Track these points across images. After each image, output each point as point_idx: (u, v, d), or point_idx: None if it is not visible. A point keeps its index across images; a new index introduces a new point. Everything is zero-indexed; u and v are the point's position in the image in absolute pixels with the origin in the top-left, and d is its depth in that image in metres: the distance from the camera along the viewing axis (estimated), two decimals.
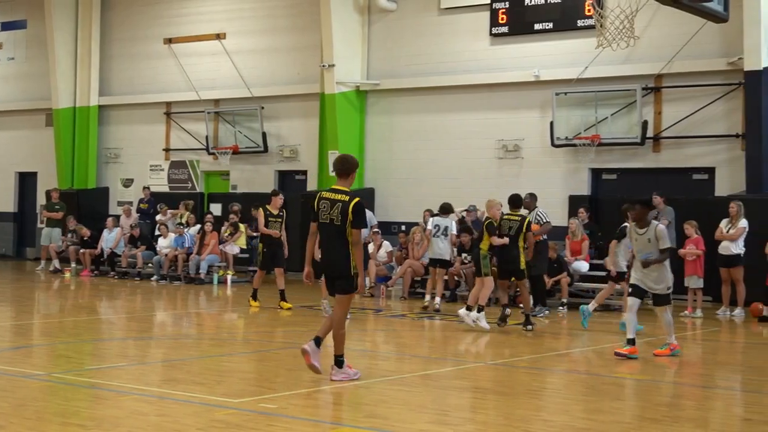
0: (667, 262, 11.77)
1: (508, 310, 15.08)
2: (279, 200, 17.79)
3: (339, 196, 9.64)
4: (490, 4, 22.03)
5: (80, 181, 28.01)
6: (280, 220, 17.59)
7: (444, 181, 22.19)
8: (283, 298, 17.11)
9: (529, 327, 14.64)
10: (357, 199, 9.64)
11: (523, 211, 15.62)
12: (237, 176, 25.94)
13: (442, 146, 22.62)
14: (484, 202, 20.57)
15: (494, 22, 22.02)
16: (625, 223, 14.42)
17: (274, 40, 25.30)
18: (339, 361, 9.63)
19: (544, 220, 16.92)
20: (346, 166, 9.85)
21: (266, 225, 17.33)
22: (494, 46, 22.22)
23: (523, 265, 14.70)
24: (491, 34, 22.15)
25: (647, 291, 11.91)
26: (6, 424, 7.60)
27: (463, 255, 19.24)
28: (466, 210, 20.60)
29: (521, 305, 15.40)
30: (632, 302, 11.97)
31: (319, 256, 9.96)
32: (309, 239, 9.98)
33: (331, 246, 9.63)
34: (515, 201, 15.30)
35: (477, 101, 22.34)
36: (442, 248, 17.62)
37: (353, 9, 23.59)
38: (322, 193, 9.83)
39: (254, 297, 17.31)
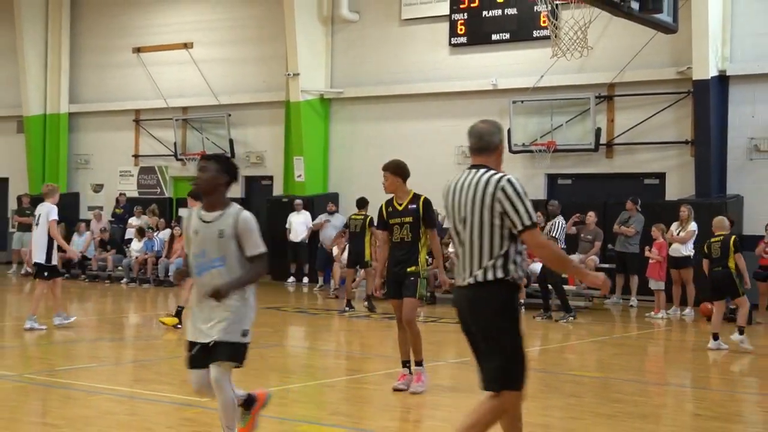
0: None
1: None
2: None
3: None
4: (449, 16, 22.09)
5: None
6: None
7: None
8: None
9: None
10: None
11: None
12: None
13: (403, 152, 22.43)
14: (443, 207, 20.83)
15: (453, 32, 22.09)
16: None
17: (241, 49, 25.22)
18: None
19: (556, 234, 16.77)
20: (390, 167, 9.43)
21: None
22: (453, 56, 22.29)
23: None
24: (450, 44, 22.21)
25: None
26: None
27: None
28: None
29: None
30: None
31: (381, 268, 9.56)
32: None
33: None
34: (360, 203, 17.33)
35: (437, 109, 22.39)
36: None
37: (317, 20, 23.56)
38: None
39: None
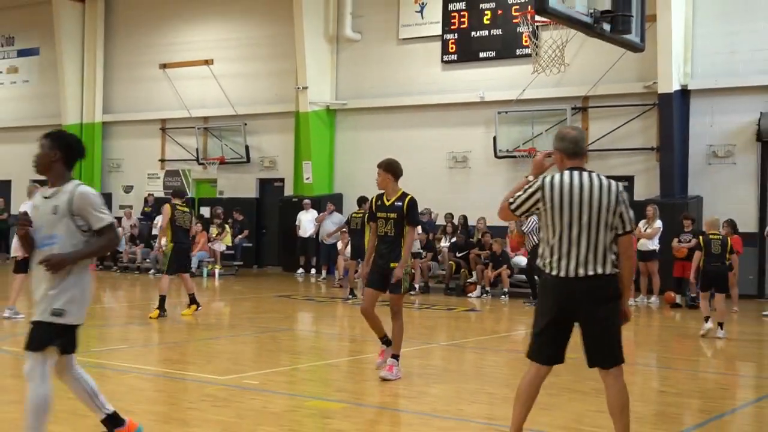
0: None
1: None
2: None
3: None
4: (442, 36, 22.07)
5: None
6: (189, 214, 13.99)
7: (402, 187, 22.13)
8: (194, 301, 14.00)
9: None
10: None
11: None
12: (223, 183, 25.78)
13: (401, 157, 22.05)
14: (436, 205, 20.85)
15: (445, 51, 22.06)
16: None
17: (256, 65, 25.19)
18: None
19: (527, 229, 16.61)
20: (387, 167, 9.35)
21: (175, 220, 13.50)
22: (445, 71, 22.25)
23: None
24: (442, 61, 22.19)
25: None
26: (21, 399, 7.48)
27: (419, 251, 19.23)
28: (420, 213, 20.60)
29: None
30: None
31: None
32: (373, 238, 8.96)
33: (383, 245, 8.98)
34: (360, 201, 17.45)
35: (431, 119, 22.36)
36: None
37: (323, 39, 23.53)
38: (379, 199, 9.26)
39: (162, 306, 13.44)
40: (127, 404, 7.35)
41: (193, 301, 13.89)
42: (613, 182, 5.56)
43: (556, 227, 5.51)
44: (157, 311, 13.33)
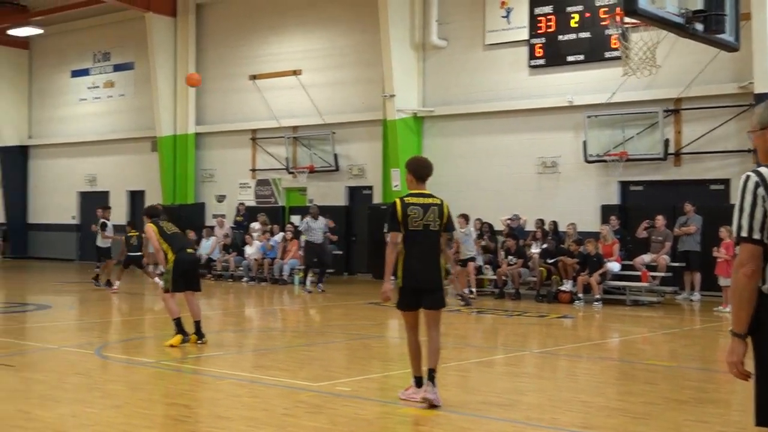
0: None
1: None
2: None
3: (429, 200, 7.74)
4: (528, 40, 21.90)
5: (181, 197, 28.34)
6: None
7: (490, 194, 22.10)
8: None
9: None
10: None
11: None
12: (313, 191, 26.05)
13: (489, 163, 22.53)
14: (526, 211, 20.69)
15: (532, 55, 21.88)
16: None
17: (343, 74, 25.41)
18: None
19: None
20: (430, 170, 7.90)
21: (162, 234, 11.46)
22: (532, 76, 22.06)
23: None
24: (529, 66, 22.00)
25: None
26: (122, 404, 7.70)
27: (509, 257, 19.11)
28: (510, 218, 20.52)
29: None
30: None
31: (402, 268, 7.74)
32: (392, 250, 7.70)
33: (427, 254, 7.68)
34: None
35: (518, 124, 22.20)
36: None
37: (410, 47, 23.59)
38: (406, 198, 7.76)
39: (182, 333, 11.23)
40: (224, 410, 7.48)
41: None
42: None
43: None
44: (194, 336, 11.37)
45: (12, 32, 31.31)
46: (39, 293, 19.05)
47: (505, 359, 11.05)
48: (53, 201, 32.69)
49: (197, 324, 11.29)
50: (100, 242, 21.00)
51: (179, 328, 11.12)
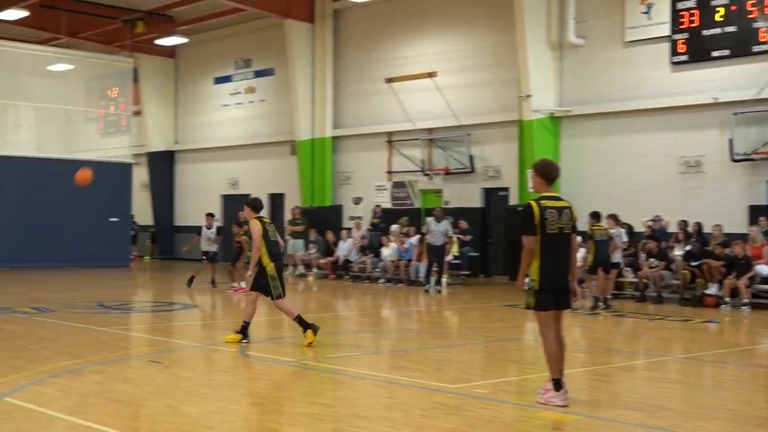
0: None
1: None
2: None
3: (562, 203, 7.89)
4: (670, 36, 21.26)
5: (319, 199, 28.88)
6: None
7: (630, 195, 21.55)
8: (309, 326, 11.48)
9: None
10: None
11: None
12: (449, 193, 26.06)
13: (628, 163, 21.99)
14: (667, 212, 20.08)
15: (674, 51, 21.22)
16: None
17: (478, 75, 25.32)
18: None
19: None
20: (558, 173, 8.08)
21: (265, 236, 11.49)
22: (675, 73, 21.38)
23: None
24: (671, 62, 21.35)
25: None
26: (265, 402, 7.90)
27: (651, 260, 18.59)
28: (651, 219, 19.98)
29: None
30: None
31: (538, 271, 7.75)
32: (528, 254, 7.79)
33: (563, 257, 7.83)
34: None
35: (660, 123, 21.56)
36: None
37: (546, 46, 23.29)
38: (542, 202, 7.81)
39: (310, 327, 11.39)
40: (363, 410, 7.58)
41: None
42: None
43: None
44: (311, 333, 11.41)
45: (160, 42, 32.65)
46: (185, 293, 19.78)
47: (647, 364, 10.76)
48: (198, 204, 33.86)
49: (247, 325, 11.54)
50: (204, 246, 21.42)
51: (304, 324, 11.34)
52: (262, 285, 11.48)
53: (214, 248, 21.42)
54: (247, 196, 31.37)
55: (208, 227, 21.49)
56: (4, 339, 11.83)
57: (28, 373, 9.05)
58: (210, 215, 22.20)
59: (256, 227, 11.48)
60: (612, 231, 17.45)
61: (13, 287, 20.57)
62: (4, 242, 26.65)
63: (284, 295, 11.60)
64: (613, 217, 18.02)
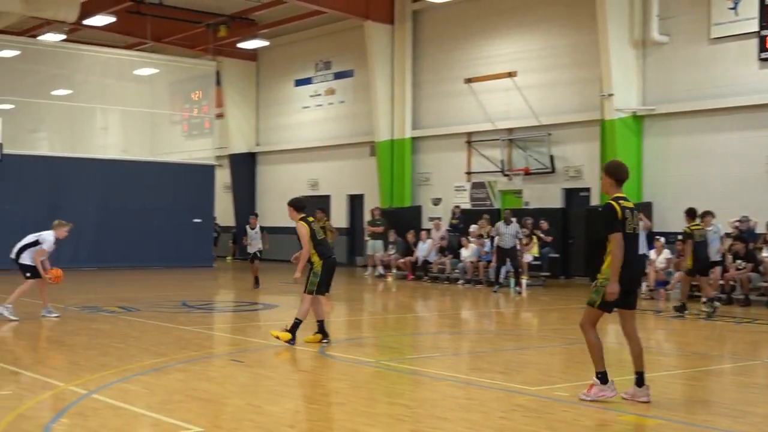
0: None
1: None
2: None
3: (631, 204, 8.10)
4: (758, 32, 20.69)
5: (398, 200, 28.94)
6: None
7: (715, 195, 21.02)
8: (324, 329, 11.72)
9: None
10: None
11: None
12: (529, 194, 25.84)
13: (714, 163, 21.48)
14: (755, 212, 19.54)
15: (762, 48, 20.64)
16: None
17: (558, 75, 25.05)
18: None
19: None
20: (628, 174, 8.20)
21: (313, 237, 11.40)
22: (763, 69, 20.79)
23: None
24: (760, 59, 20.77)
25: None
26: (345, 402, 7.95)
27: (738, 261, 18.13)
28: (738, 220, 19.48)
29: None
30: None
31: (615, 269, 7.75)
32: (620, 251, 7.74)
33: (636, 257, 7.98)
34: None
35: (747, 121, 21.00)
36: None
37: (628, 44, 22.90)
38: (621, 202, 7.95)
39: (322, 334, 11.59)
40: (442, 411, 7.57)
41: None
42: None
43: None
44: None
45: (242, 45, 33.16)
46: (266, 293, 20.04)
47: (734, 368, 10.50)
48: (278, 205, 34.17)
49: (322, 323, 11.56)
50: (252, 246, 21.63)
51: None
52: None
53: (258, 247, 21.58)
54: (327, 197, 31.89)
55: (252, 227, 21.72)
56: (92, 337, 12.16)
57: (115, 371, 9.29)
58: (254, 215, 22.48)
59: (303, 229, 11.32)
60: (709, 229, 16.86)
61: (100, 287, 21.13)
62: (91, 243, 27.36)
63: (323, 294, 11.59)
64: (710, 214, 17.10)
